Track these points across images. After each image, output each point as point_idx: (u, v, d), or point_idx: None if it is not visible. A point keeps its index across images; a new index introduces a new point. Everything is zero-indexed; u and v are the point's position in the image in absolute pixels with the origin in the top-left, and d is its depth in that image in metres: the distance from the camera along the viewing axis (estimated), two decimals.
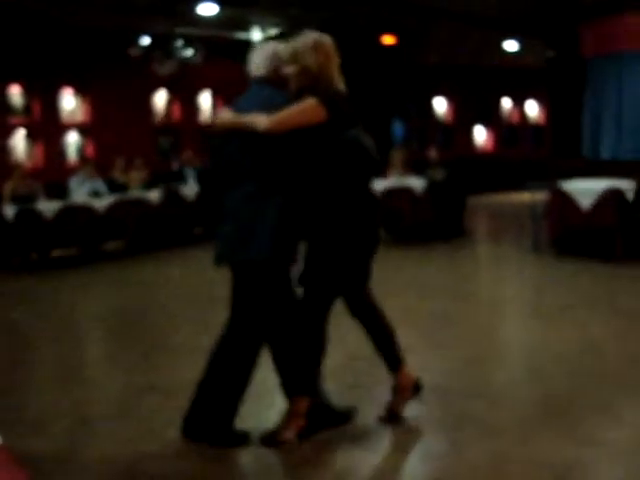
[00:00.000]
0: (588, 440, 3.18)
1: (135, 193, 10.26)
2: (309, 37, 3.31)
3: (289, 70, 3.26)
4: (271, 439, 3.26)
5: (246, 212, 3.22)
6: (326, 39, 3.33)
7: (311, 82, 3.25)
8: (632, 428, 3.31)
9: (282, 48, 3.32)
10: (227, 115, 3.28)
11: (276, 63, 3.30)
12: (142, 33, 11.62)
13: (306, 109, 3.14)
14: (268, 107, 3.12)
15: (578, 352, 4.55)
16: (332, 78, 3.29)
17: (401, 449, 3.30)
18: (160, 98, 13.43)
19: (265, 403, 3.81)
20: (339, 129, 3.20)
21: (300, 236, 3.29)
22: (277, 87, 3.29)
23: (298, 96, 3.22)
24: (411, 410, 3.49)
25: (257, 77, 3.34)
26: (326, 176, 3.22)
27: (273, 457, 3.20)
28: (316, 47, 3.26)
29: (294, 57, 3.25)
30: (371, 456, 3.17)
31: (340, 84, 3.31)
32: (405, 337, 3.58)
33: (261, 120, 3.08)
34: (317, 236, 3.26)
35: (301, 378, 3.29)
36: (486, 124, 18.57)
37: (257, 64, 3.35)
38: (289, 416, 3.28)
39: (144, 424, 3.60)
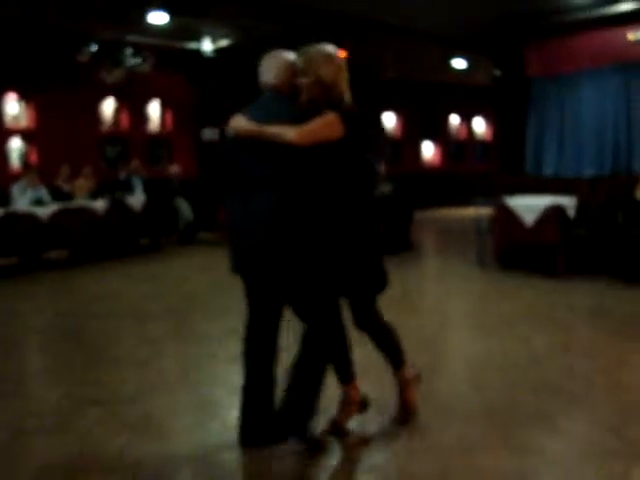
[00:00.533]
0: (526, 449, 3.24)
1: (80, 202, 10.08)
2: (323, 48, 3.33)
3: (303, 80, 3.27)
4: (336, 428, 3.40)
5: (270, 221, 3.20)
6: (338, 52, 3.38)
7: (323, 94, 3.27)
8: (568, 437, 3.40)
9: (297, 58, 3.33)
10: (247, 123, 3.23)
11: (290, 73, 3.30)
12: (91, 39, 11.45)
13: (330, 123, 3.15)
14: (285, 118, 3.14)
15: (519, 364, 4.63)
16: (343, 91, 3.33)
17: (346, 462, 3.29)
18: (108, 106, 13.23)
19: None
20: (354, 147, 3.24)
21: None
22: (289, 97, 3.31)
23: (311, 107, 3.24)
24: (355, 423, 3.50)
25: (270, 86, 3.33)
26: (338, 189, 3.24)
27: (221, 469, 3.16)
28: (330, 59, 3.29)
29: (309, 67, 3.26)
30: (316, 469, 3.16)
31: (349, 98, 3.35)
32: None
33: (289, 132, 3.09)
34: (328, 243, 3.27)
35: (338, 369, 3.38)
36: (434, 140, 18.88)
37: (271, 73, 3.33)
38: (342, 405, 3.42)
39: (84, 437, 3.53)
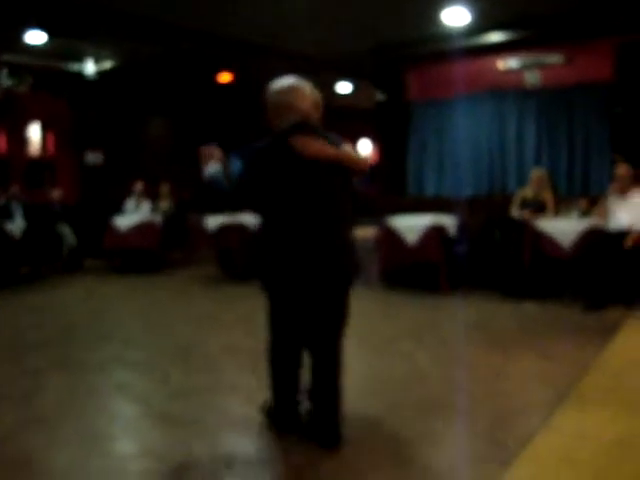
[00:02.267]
0: (409, 464, 3.34)
1: None
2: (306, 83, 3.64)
3: (315, 115, 3.64)
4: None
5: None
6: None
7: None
8: (449, 449, 3.54)
9: (313, 90, 3.65)
10: (328, 146, 3.45)
11: (315, 105, 3.65)
12: None
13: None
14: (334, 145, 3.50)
15: (403, 380, 4.77)
16: None
17: None
18: None
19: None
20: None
21: None
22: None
23: None
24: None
25: (302, 113, 3.53)
26: None
27: None
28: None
29: (317, 103, 3.68)
30: None
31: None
32: (230, 374, 3.57)
33: (362, 158, 3.55)
34: None
35: None
36: None
37: (306, 101, 3.57)
38: None
39: None
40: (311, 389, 3.60)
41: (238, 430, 3.83)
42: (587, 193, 9.36)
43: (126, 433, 4.00)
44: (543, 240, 7.65)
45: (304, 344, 3.64)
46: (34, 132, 13.39)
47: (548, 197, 8.15)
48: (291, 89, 3.56)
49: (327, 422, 3.51)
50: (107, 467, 3.45)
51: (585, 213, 7.81)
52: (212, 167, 3.55)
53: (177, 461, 3.45)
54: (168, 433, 3.84)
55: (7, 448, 3.70)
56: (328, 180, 3.48)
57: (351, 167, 3.53)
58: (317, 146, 3.42)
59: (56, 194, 12.03)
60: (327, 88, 14.81)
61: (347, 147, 3.57)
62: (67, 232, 11.46)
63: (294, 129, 3.46)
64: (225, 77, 12.58)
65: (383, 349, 5.69)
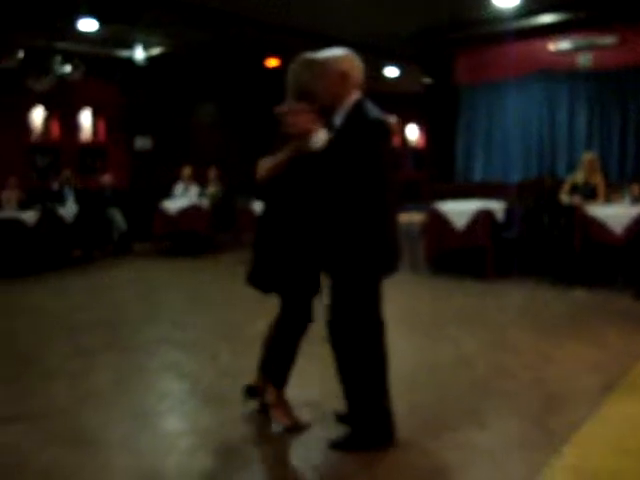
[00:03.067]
0: (455, 445, 3.35)
1: (8, 213, 9.82)
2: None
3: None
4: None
5: None
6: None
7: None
8: (496, 432, 3.52)
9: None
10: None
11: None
12: (18, 46, 11.18)
13: None
14: None
15: (450, 363, 4.76)
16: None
17: (280, 461, 3.33)
18: (37, 115, 12.93)
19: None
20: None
21: None
22: None
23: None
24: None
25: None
26: None
27: (156, 477, 3.15)
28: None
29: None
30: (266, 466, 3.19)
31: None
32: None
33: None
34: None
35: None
36: None
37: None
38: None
39: (8, 453, 3.45)
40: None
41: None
42: (639, 178, 9.13)
43: (175, 411, 4.09)
44: (594, 226, 7.49)
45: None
46: (85, 118, 13.66)
47: (599, 182, 7.97)
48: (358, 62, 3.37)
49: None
50: (157, 443, 3.54)
51: (637, 199, 7.63)
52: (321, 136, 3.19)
53: (225, 439, 3.52)
54: (216, 412, 3.91)
55: (62, 424, 3.82)
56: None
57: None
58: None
59: (107, 179, 12.27)
60: (374, 72, 14.73)
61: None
62: (117, 216, 11.69)
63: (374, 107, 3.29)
64: (272, 62, 12.59)
65: (431, 334, 5.68)
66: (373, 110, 3.22)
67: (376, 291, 3.34)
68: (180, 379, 4.66)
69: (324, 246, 3.33)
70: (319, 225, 3.34)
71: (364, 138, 3.12)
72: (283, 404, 3.54)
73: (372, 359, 3.29)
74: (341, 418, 3.53)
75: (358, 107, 3.23)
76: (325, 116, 3.32)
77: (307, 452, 3.33)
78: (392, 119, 3.33)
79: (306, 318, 3.49)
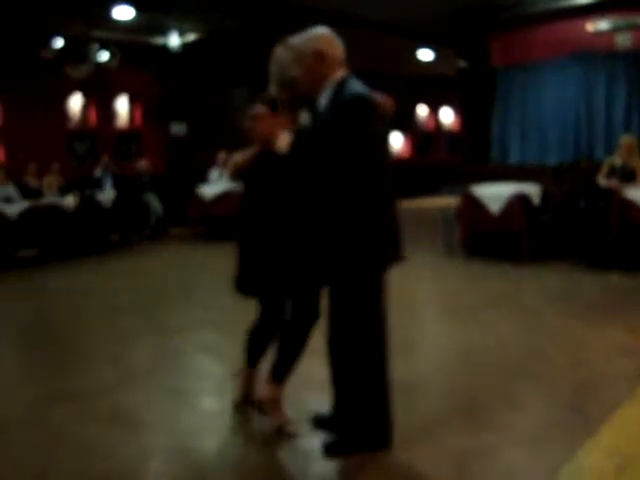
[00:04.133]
0: (489, 427, 3.37)
1: (49, 199, 10.03)
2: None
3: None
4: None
5: None
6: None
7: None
8: (531, 414, 3.53)
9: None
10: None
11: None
12: (56, 34, 11.35)
13: None
14: None
15: (484, 347, 4.77)
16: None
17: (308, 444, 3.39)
18: (75, 102, 13.13)
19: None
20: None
21: None
22: None
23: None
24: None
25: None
26: None
27: (195, 456, 3.23)
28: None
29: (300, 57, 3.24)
30: (294, 458, 3.25)
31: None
32: (314, 337, 3.65)
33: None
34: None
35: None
36: (402, 131, 19.01)
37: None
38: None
39: (56, 432, 3.56)
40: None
41: (321, 391, 3.93)
42: None
43: (213, 391, 4.18)
44: (632, 209, 7.38)
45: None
46: (122, 105, 13.84)
47: (637, 165, 7.83)
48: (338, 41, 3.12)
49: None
50: (196, 422, 3.63)
51: None
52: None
53: (262, 419, 3.59)
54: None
55: (104, 403, 3.94)
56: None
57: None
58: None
59: (143, 165, 12.43)
60: (408, 56, 14.63)
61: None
62: (154, 201, 11.85)
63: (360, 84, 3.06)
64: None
65: (465, 317, 5.68)
66: (357, 87, 2.97)
67: (379, 286, 3.09)
68: (217, 360, 4.75)
69: (319, 243, 3.09)
70: (312, 223, 3.12)
71: (347, 117, 2.87)
72: (279, 402, 3.42)
73: (373, 361, 3.10)
74: (320, 422, 3.38)
75: (341, 86, 2.99)
76: (308, 103, 3.17)
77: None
78: (380, 97, 3.05)
79: (314, 314, 3.34)
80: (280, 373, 3.38)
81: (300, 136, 3.05)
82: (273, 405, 3.40)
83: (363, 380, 3.10)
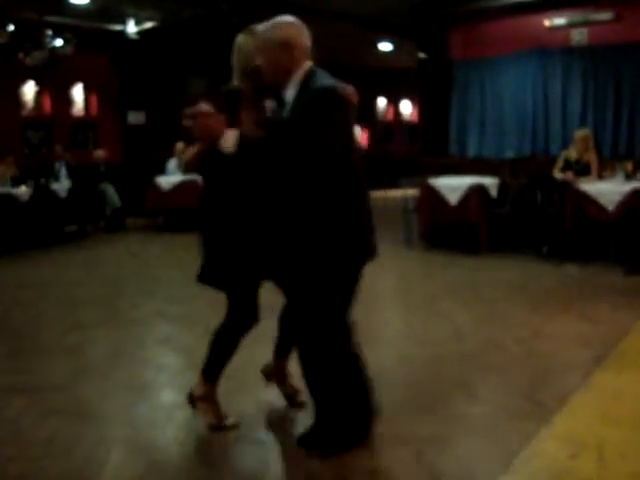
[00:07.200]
0: (447, 417, 3.41)
1: (2, 189, 9.79)
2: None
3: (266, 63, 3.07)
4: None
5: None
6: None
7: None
8: (487, 403, 3.58)
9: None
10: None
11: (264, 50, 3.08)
12: (8, 20, 11.06)
13: None
14: None
15: (442, 337, 4.83)
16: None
17: (279, 441, 3.38)
18: (29, 89, 12.83)
19: None
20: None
21: None
22: None
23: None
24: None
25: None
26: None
27: (154, 448, 3.20)
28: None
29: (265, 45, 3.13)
30: (251, 447, 3.25)
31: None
32: (271, 327, 3.63)
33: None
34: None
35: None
36: (361, 122, 19.07)
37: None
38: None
39: (10, 426, 3.49)
40: None
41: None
42: (632, 155, 9.16)
43: (171, 384, 4.14)
44: (586, 202, 7.53)
45: None
46: (77, 93, 13.57)
47: (592, 159, 8.00)
48: (303, 28, 3.02)
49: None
50: (154, 415, 3.60)
51: (630, 175, 7.66)
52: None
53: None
54: None
55: (61, 396, 3.87)
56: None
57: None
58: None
59: (100, 154, 12.23)
60: (368, 47, 14.67)
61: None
62: (111, 192, 11.67)
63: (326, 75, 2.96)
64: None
65: (423, 308, 5.74)
66: (325, 79, 2.91)
67: (351, 286, 3.04)
68: (175, 353, 4.71)
69: (281, 244, 3.04)
70: (275, 221, 3.06)
71: (318, 109, 2.79)
72: (212, 400, 3.37)
73: (342, 359, 3.06)
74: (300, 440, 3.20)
75: (309, 77, 2.91)
76: (273, 94, 3.10)
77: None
78: (348, 88, 2.99)
79: (252, 316, 3.32)
80: (210, 371, 3.36)
81: (272, 128, 2.99)
82: (206, 403, 3.36)
83: (335, 381, 3.05)
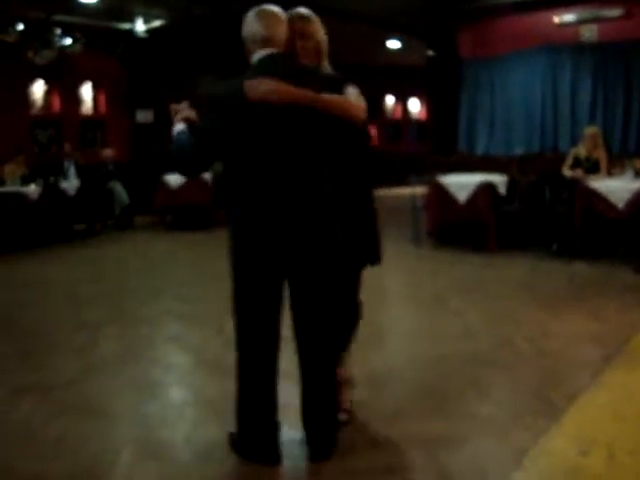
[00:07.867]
0: (458, 415, 3.40)
1: (11, 187, 9.83)
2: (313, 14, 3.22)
3: (305, 44, 3.15)
4: None
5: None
6: None
7: (318, 60, 3.25)
8: (498, 402, 3.57)
9: (296, 19, 3.19)
10: (294, 89, 2.72)
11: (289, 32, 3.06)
12: (17, 19, 11.09)
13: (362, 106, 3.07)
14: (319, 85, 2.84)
15: (452, 335, 4.81)
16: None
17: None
18: (38, 88, 12.88)
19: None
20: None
21: None
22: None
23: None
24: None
25: (275, 44, 2.91)
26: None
27: (163, 447, 3.21)
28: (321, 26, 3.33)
29: (311, 31, 3.24)
30: None
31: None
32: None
33: (358, 106, 2.92)
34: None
35: None
36: (370, 120, 19.04)
37: (279, 28, 2.92)
38: None
39: (21, 425, 3.51)
40: (305, 406, 3.08)
41: (289, 380, 3.93)
42: None
43: (181, 382, 4.15)
44: (595, 199, 7.49)
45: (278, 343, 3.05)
46: (86, 91, 13.61)
47: (601, 156, 7.95)
48: (263, 16, 2.89)
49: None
50: (163, 413, 3.61)
51: (639, 173, 7.62)
52: (178, 126, 3.17)
53: (230, 409, 3.57)
54: (221, 382, 3.95)
55: (70, 394, 3.89)
56: (296, 136, 2.81)
57: (338, 115, 2.80)
58: (272, 87, 2.70)
59: (108, 152, 12.26)
60: (376, 45, 14.63)
61: (351, 90, 2.96)
62: (119, 190, 11.70)
63: (261, 67, 2.83)
64: None
65: (432, 306, 5.73)
66: (247, 74, 2.81)
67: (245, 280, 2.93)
68: (185, 351, 4.72)
69: None
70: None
71: (209, 110, 2.87)
72: None
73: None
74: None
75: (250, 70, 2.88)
76: None
77: None
78: (263, 84, 2.72)
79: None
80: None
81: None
82: None
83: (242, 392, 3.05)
